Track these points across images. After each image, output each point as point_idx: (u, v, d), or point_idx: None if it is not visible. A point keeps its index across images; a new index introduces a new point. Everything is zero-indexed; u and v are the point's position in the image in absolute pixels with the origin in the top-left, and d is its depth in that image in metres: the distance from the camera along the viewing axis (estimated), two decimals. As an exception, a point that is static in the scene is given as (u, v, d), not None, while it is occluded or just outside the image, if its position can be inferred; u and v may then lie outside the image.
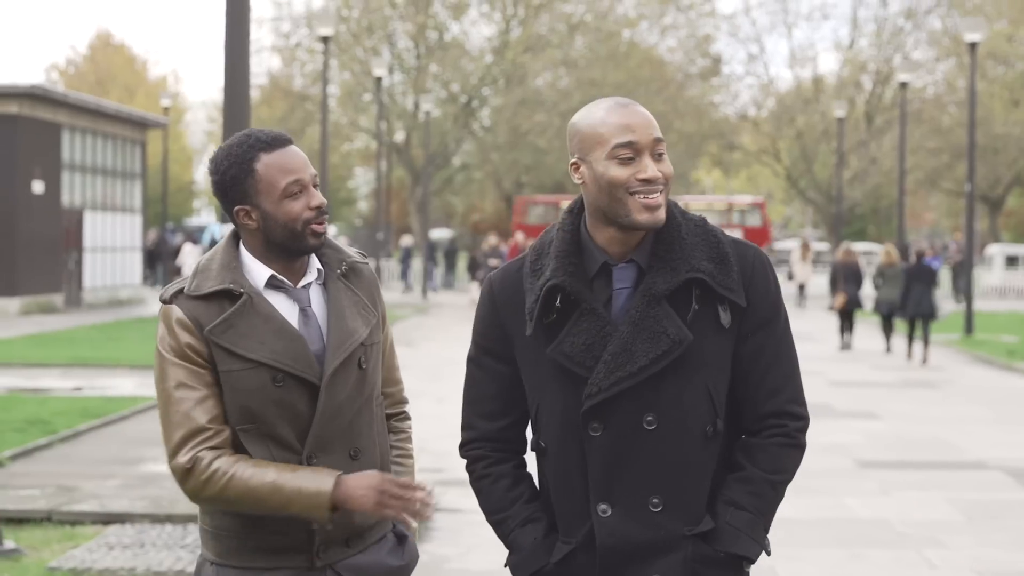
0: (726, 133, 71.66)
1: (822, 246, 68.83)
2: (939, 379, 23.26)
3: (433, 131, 57.75)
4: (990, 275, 60.09)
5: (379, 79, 46.80)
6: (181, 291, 3.94)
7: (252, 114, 57.10)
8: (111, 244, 41.86)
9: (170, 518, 11.02)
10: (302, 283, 4.01)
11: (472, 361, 3.93)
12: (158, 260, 53.54)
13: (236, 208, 3.96)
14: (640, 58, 66.22)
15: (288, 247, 3.96)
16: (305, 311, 3.99)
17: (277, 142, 3.94)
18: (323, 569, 3.98)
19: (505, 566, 3.93)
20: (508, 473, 3.90)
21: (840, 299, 28.75)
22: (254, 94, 63.18)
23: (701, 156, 74.16)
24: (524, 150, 62.61)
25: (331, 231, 25.28)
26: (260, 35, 76.55)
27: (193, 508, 11.22)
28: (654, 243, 3.75)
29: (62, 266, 38.58)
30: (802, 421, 3.83)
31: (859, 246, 62.24)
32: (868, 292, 36.14)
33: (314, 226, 3.95)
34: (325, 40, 35.10)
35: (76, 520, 11.01)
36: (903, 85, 42.14)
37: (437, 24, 62.01)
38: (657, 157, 3.73)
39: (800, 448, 3.83)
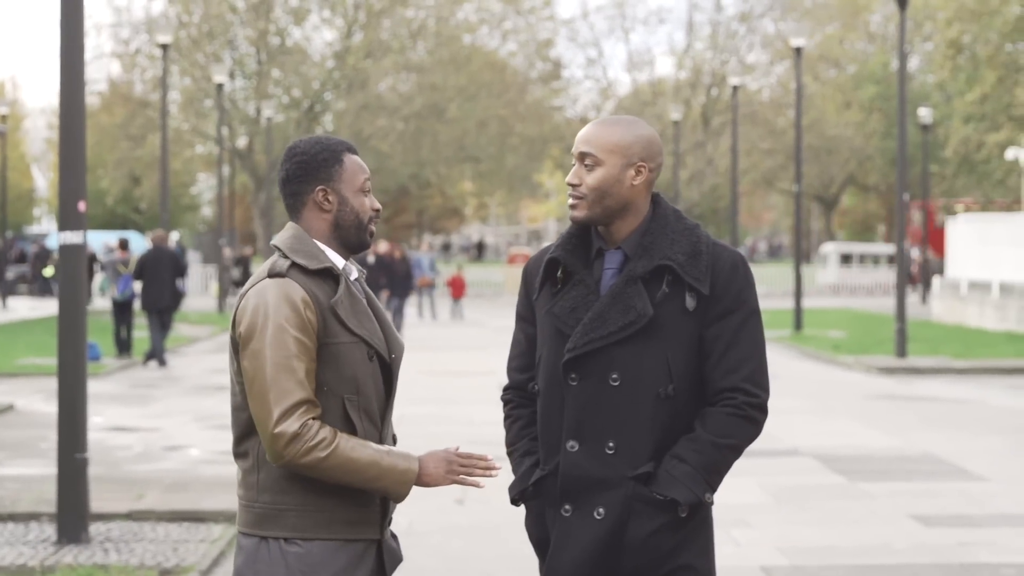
0: (567, 136, 72.50)
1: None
2: (766, 373, 23.98)
3: (276, 136, 57.85)
4: (825, 272, 61.67)
5: (220, 85, 46.84)
6: (295, 266, 4.29)
7: (92, 120, 55.89)
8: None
9: (12, 517, 11.26)
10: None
11: (515, 325, 4.71)
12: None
13: (319, 187, 4.41)
14: (481, 62, 66.81)
15: (350, 237, 4.42)
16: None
17: (355, 149, 4.52)
18: (378, 542, 4.39)
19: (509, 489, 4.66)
20: (524, 416, 4.66)
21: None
22: (94, 100, 62.70)
23: (543, 159, 74.99)
24: (367, 154, 62.80)
25: (173, 236, 25.39)
26: (100, 41, 76.15)
27: (36, 507, 11.51)
28: (643, 235, 4.48)
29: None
30: (754, 398, 4.52)
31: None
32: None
33: (372, 225, 4.45)
34: (164, 48, 35.18)
35: (-81, 521, 11.19)
36: (735, 89, 43.18)
37: (278, 30, 62.04)
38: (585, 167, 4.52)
39: (749, 420, 4.48)
